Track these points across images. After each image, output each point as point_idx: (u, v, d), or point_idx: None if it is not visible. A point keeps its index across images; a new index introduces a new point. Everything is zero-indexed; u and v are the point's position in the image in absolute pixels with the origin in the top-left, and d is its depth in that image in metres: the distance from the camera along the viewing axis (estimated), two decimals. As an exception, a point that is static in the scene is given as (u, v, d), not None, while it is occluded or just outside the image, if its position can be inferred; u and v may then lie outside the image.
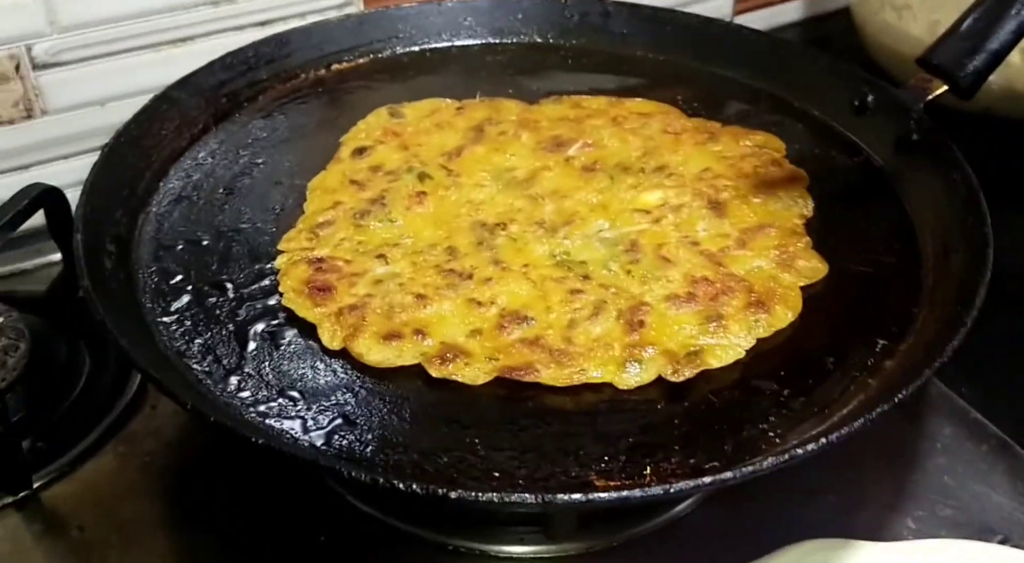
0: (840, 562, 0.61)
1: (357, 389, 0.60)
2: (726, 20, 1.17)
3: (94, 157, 0.71)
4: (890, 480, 0.69)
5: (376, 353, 0.62)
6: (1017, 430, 0.71)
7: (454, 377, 0.60)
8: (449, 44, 0.95)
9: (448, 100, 0.87)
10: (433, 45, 0.95)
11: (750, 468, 0.49)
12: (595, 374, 0.60)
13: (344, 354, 0.62)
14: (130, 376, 0.78)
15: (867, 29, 1.13)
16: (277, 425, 0.57)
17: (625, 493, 0.49)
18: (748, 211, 0.72)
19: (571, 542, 0.65)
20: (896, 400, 0.52)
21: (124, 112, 0.78)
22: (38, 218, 0.77)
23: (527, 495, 0.48)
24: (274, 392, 0.59)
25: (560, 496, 0.48)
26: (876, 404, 0.53)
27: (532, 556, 0.65)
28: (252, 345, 0.63)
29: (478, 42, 0.96)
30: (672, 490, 0.49)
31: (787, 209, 0.73)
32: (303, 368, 0.61)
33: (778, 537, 0.64)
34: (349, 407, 0.59)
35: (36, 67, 0.89)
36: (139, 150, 0.76)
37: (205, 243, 0.71)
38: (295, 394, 0.60)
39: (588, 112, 0.85)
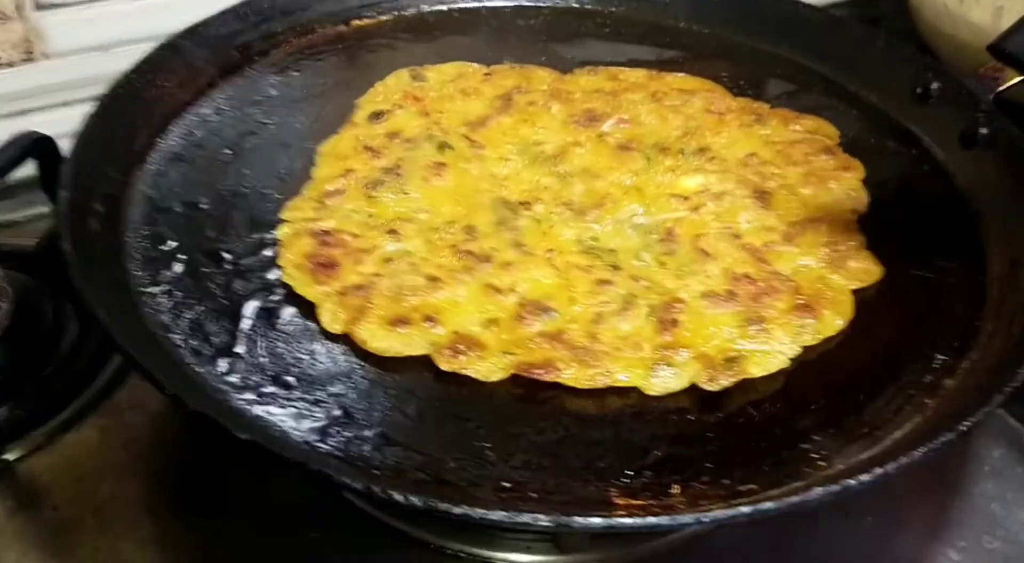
0: None
1: (359, 379, 0.55)
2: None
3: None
4: (932, 504, 0.64)
5: (381, 340, 0.56)
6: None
7: (466, 371, 0.55)
8: (479, 4, 0.89)
9: (475, 65, 0.81)
10: (461, 4, 0.89)
11: (795, 498, 0.44)
12: (622, 377, 0.54)
13: (346, 339, 0.57)
14: (117, 343, 0.73)
15: (923, 12, 1.06)
16: (267, 415, 0.52)
17: (651, 520, 0.43)
18: (796, 203, 0.66)
19: (582, 554, 0.60)
20: (961, 429, 0.47)
21: (129, 59, 0.73)
22: (32, 168, 0.71)
23: (540, 517, 0.43)
24: (267, 377, 0.54)
25: (577, 519, 0.43)
26: (936, 430, 0.48)
27: (539, 566, 0.60)
28: (246, 323, 0.57)
29: (510, 3, 0.89)
30: (705, 519, 0.43)
31: (839, 203, 0.66)
32: (301, 352, 0.56)
33: (810, 560, 0.59)
34: (349, 398, 0.53)
35: (39, 7, 0.83)
36: (138, 102, 0.70)
37: (204, 207, 0.66)
38: (290, 380, 0.54)
39: (625, 85, 0.78)
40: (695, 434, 0.52)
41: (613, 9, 0.88)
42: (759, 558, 0.61)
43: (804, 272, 0.61)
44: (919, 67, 0.76)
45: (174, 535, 0.62)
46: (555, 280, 0.60)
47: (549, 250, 0.63)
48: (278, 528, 0.61)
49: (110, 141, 0.66)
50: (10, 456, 0.64)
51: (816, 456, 0.50)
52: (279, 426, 0.51)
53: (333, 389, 0.54)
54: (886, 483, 0.61)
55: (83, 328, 0.74)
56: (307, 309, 0.59)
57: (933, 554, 0.61)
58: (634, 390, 0.55)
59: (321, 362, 0.56)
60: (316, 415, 0.52)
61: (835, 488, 0.44)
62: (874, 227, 0.66)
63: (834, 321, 0.58)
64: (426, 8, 0.88)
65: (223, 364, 0.54)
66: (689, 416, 0.53)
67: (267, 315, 0.58)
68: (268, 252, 0.63)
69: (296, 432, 0.51)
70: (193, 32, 0.76)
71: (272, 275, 0.61)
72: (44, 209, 0.82)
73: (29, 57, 0.85)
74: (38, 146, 0.71)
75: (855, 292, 0.61)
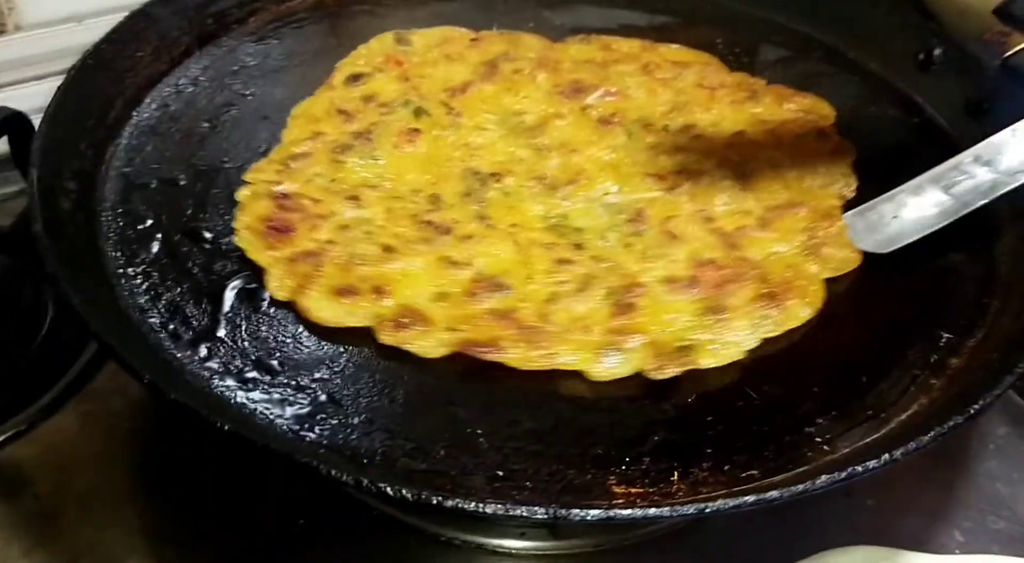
0: None
1: (344, 363, 0.53)
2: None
3: (67, 79, 0.64)
4: (936, 484, 0.63)
5: (325, 310, 0.55)
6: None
7: (406, 346, 0.53)
8: (465, -31, 0.86)
9: (463, 30, 0.78)
10: (447, -32, 0.85)
11: (800, 486, 0.42)
12: (567, 359, 0.52)
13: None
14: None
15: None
16: (250, 402, 0.50)
17: (652, 511, 0.42)
18: (779, 186, 0.64)
19: (578, 539, 0.58)
20: (971, 412, 0.45)
21: (92, 33, 0.70)
22: (3, 145, 0.69)
23: (536, 509, 0.41)
24: (249, 362, 0.52)
25: (575, 512, 0.41)
26: (944, 413, 0.46)
27: (534, 553, 0.58)
28: (227, 305, 0.55)
29: (497, -32, 0.86)
30: (708, 510, 0.41)
31: (825, 187, 0.64)
32: (285, 335, 0.54)
33: (810, 542, 0.58)
34: (334, 384, 0.51)
35: (10, -23, 0.80)
36: (111, 73, 0.67)
37: (181, 183, 0.63)
38: (274, 365, 0.52)
39: (617, 56, 0.76)
40: (694, 418, 0.50)
41: (610, -26, 0.86)
42: (758, 540, 0.59)
43: (775, 259, 0.58)
44: (922, 33, 0.74)
45: (158, 524, 0.60)
46: (514, 256, 0.58)
47: (513, 225, 0.61)
48: (265, 515, 0.60)
49: (81, 115, 0.64)
50: (-12, 444, 0.63)
51: (820, 440, 0.49)
52: (263, 414, 0.49)
53: (318, 374, 0.52)
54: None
55: (61, 310, 0.72)
56: (289, 290, 0.57)
57: (937, 535, 0.60)
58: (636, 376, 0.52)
59: (306, 346, 0.53)
60: (301, 402, 0.50)
61: (841, 475, 0.42)
62: (880, 189, 0.63)
63: (800, 311, 0.55)
64: (412, -27, 0.85)
65: (203, 349, 0.52)
66: (688, 399, 0.51)
67: (249, 296, 0.56)
68: (248, 231, 0.60)
69: (280, 420, 0.49)
70: (167, 0, 0.73)
71: (254, 254, 0.59)
72: (19, 186, 0.80)
73: (2, 30, 0.82)
74: (9, 122, 0.69)
75: (862, 268, 0.59)
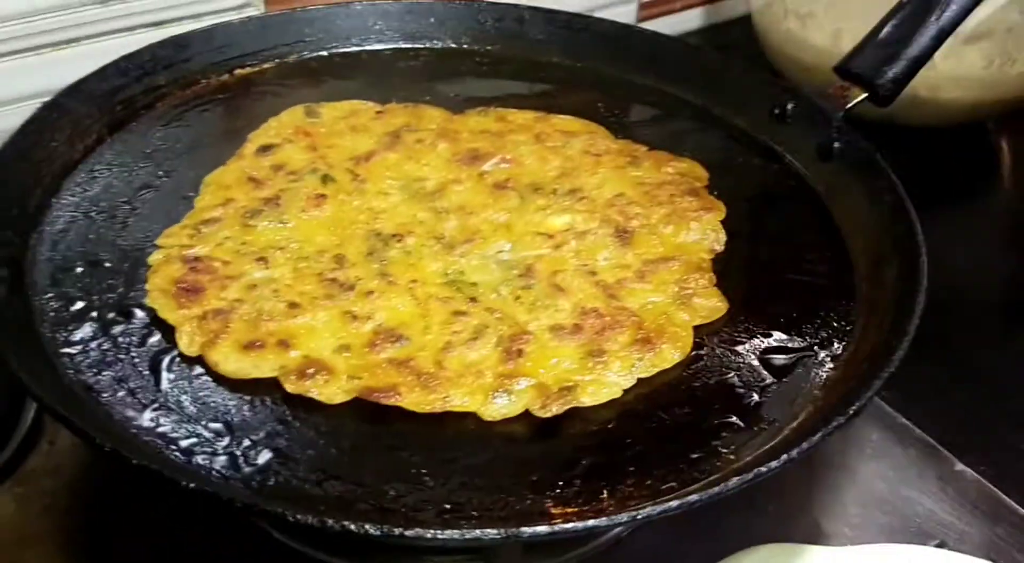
0: None
1: (289, 418, 0.56)
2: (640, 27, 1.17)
3: (-29, 171, 0.65)
4: (824, 487, 0.70)
5: (232, 363, 0.58)
6: (942, 434, 0.72)
7: (310, 394, 0.57)
8: (359, 49, 0.91)
9: (370, 103, 0.83)
10: (342, 50, 0.91)
11: (716, 488, 0.48)
12: (462, 401, 0.57)
13: (274, 381, 0.58)
14: (23, 409, 0.71)
15: (769, 37, 1.15)
16: (204, 463, 0.52)
17: (591, 522, 0.46)
18: (656, 242, 0.70)
19: (513, 568, 0.63)
20: (851, 412, 0.52)
21: (4, 121, 0.72)
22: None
23: (490, 530, 0.46)
24: (198, 426, 0.55)
25: (525, 529, 0.46)
26: (828, 417, 0.53)
27: (473, 584, 0.62)
28: (168, 375, 0.58)
29: (390, 47, 0.92)
30: (639, 516, 0.47)
31: (697, 242, 0.70)
32: (228, 399, 0.57)
33: (721, 548, 0.64)
34: (283, 439, 0.55)
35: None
36: (27, 164, 0.69)
37: (107, 264, 0.65)
38: (220, 428, 0.55)
39: (512, 127, 0.82)
40: (616, 442, 0.56)
41: (489, 47, 0.92)
42: (675, 555, 0.65)
43: (651, 308, 0.64)
44: (776, 90, 0.82)
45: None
46: (413, 310, 0.63)
47: (413, 281, 0.65)
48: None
49: (4, 205, 0.65)
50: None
51: (726, 451, 0.55)
52: (217, 473, 0.52)
53: (265, 431, 0.55)
54: (786, 472, 0.68)
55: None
56: (229, 356, 0.60)
57: (830, 531, 0.66)
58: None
59: (250, 407, 0.56)
60: (252, 459, 0.53)
61: (749, 476, 0.48)
62: (749, 237, 0.71)
63: (671, 355, 0.61)
64: (308, 54, 0.90)
65: (151, 417, 0.55)
66: (608, 425, 0.57)
67: (189, 365, 0.59)
68: (181, 303, 0.63)
69: (234, 477, 0.52)
70: (76, 89, 0.75)
71: (188, 326, 0.61)
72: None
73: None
74: None
75: (740, 287, 0.66)
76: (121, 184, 0.73)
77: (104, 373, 0.57)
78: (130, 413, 0.55)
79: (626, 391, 0.59)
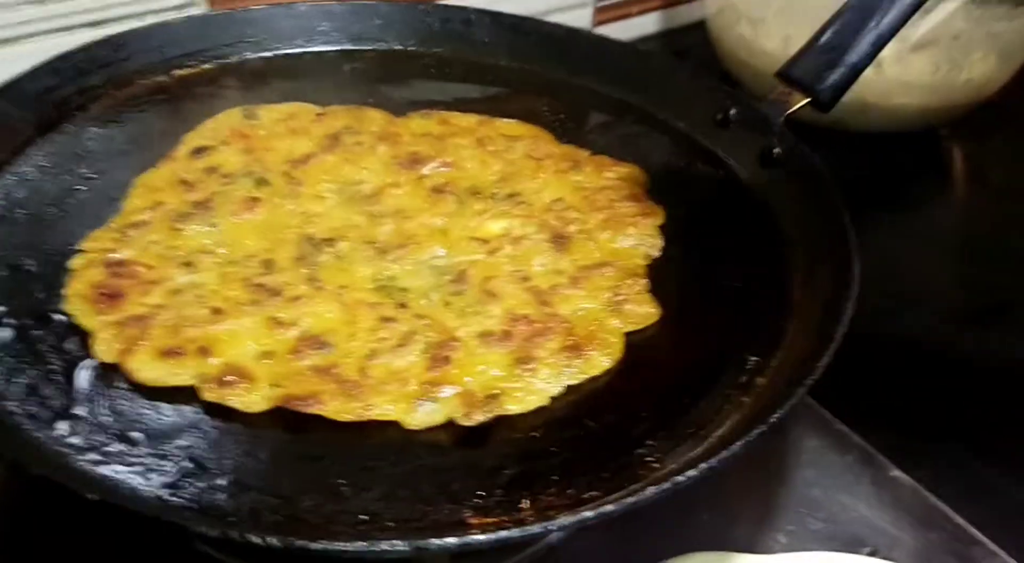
0: None
1: (208, 428, 0.55)
2: (588, 31, 1.16)
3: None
4: (760, 495, 0.69)
5: (149, 370, 0.57)
6: (880, 440, 0.72)
7: (228, 402, 0.56)
8: (302, 50, 0.90)
9: (310, 105, 0.82)
10: (286, 51, 0.90)
11: (632, 499, 0.47)
12: (385, 410, 0.56)
13: (192, 391, 0.57)
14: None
15: (723, 42, 1.15)
16: (115, 474, 0.51)
17: (503, 534, 0.46)
18: (593, 247, 0.69)
19: (444, 579, 0.62)
20: (772, 420, 0.51)
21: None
22: None
23: (398, 542, 0.45)
24: (111, 436, 0.53)
25: (433, 541, 0.45)
26: (752, 424, 0.52)
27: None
28: (83, 384, 0.56)
29: (335, 48, 0.91)
30: (552, 527, 0.46)
31: (634, 247, 0.70)
32: (144, 407, 0.55)
33: (655, 555, 0.63)
34: (199, 450, 0.53)
35: None
36: (-50, 164, 0.68)
37: (30, 269, 0.64)
38: (136, 437, 0.54)
39: (454, 130, 0.81)
40: (541, 450, 0.55)
41: (436, 50, 0.92)
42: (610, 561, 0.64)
43: (582, 314, 0.64)
44: (719, 95, 0.82)
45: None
46: (340, 316, 0.62)
47: (342, 287, 0.64)
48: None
49: (-78, 206, 0.64)
50: None
51: (651, 459, 0.54)
52: (127, 484, 0.51)
53: (182, 441, 0.54)
54: (719, 477, 0.67)
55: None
56: (148, 363, 0.58)
57: (764, 539, 0.66)
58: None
59: (167, 415, 0.55)
60: (166, 469, 0.52)
61: (666, 486, 0.48)
62: (686, 243, 0.71)
63: (600, 362, 0.60)
64: (250, 55, 0.88)
65: (63, 426, 0.53)
66: (533, 434, 0.56)
67: (105, 372, 0.57)
68: (103, 309, 0.61)
69: (146, 488, 0.51)
70: (6, 90, 0.74)
71: (108, 332, 0.60)
72: None
73: None
74: None
75: (677, 305, 0.65)
76: (49, 186, 0.71)
77: (16, 380, 0.56)
78: (40, 422, 0.53)
79: (554, 398, 0.58)
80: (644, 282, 0.66)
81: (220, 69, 0.86)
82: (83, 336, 0.59)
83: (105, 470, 0.51)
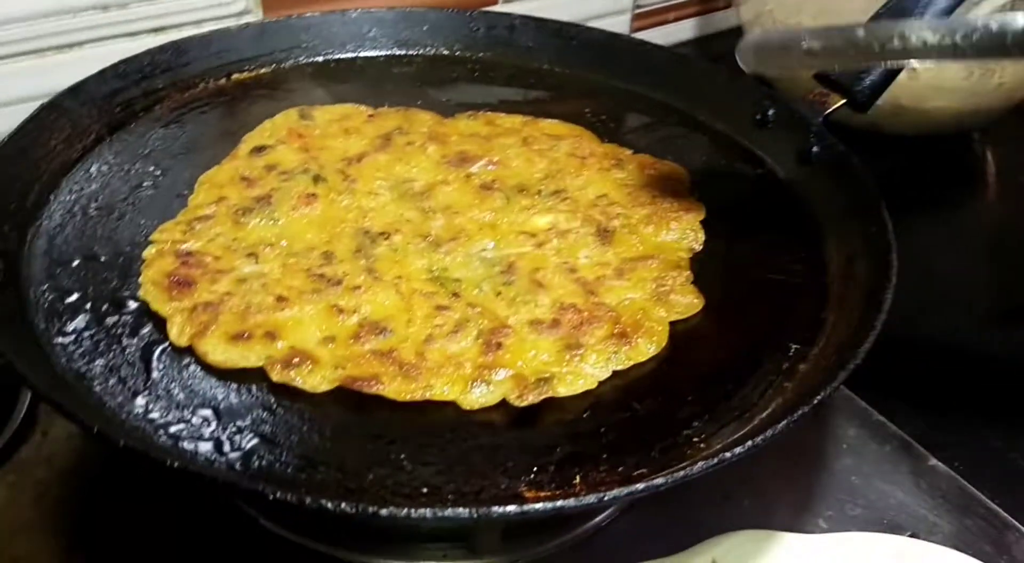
0: (766, 552, 0.63)
1: (274, 407, 0.58)
2: (628, 36, 1.19)
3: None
4: (801, 482, 0.71)
5: (220, 353, 0.60)
6: (918, 430, 0.74)
7: (294, 383, 0.59)
8: (354, 55, 0.94)
9: (362, 107, 0.85)
10: (337, 56, 0.93)
11: (681, 473, 0.50)
12: (442, 390, 0.59)
13: (259, 371, 0.60)
14: (17, 400, 0.73)
15: (758, 47, 1.17)
16: (191, 447, 0.54)
17: (560, 503, 0.48)
18: (636, 241, 0.72)
19: (495, 556, 0.64)
20: (815, 402, 0.53)
21: (3, 121, 0.74)
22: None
23: (461, 509, 0.47)
24: (185, 413, 0.56)
25: (495, 509, 0.47)
26: (796, 407, 0.54)
27: (455, 573, 0.64)
28: (158, 364, 0.60)
29: (383, 53, 0.94)
30: (606, 498, 0.48)
31: (677, 242, 0.72)
32: (215, 387, 0.59)
33: (698, 540, 0.65)
34: (266, 426, 0.56)
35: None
36: (26, 161, 0.71)
37: (103, 259, 0.67)
38: (207, 414, 0.57)
39: (501, 130, 0.84)
40: (592, 431, 0.57)
41: (482, 55, 0.95)
42: (652, 545, 0.66)
43: (628, 304, 0.66)
44: (757, 96, 0.84)
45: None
46: (397, 304, 0.65)
47: (398, 277, 0.67)
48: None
49: (2, 200, 0.67)
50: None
51: (696, 440, 0.57)
52: (203, 456, 0.54)
53: (250, 418, 0.57)
54: (760, 465, 0.70)
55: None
56: (217, 347, 0.61)
57: (804, 524, 0.68)
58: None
59: (236, 394, 0.58)
60: (237, 444, 0.55)
61: (714, 461, 0.50)
62: (728, 237, 0.73)
63: (647, 349, 0.63)
64: (304, 60, 0.92)
65: (141, 403, 0.57)
66: (584, 415, 0.59)
67: (178, 355, 0.61)
68: (172, 296, 0.65)
69: (220, 460, 0.54)
70: (76, 91, 0.78)
71: (178, 318, 0.63)
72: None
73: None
74: None
75: (720, 293, 0.68)
76: (118, 183, 0.75)
77: (96, 362, 0.59)
78: (120, 400, 0.57)
79: (601, 383, 0.61)
80: (687, 274, 0.69)
81: (275, 73, 0.90)
82: (156, 321, 0.63)
83: (182, 444, 0.54)
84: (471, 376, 0.59)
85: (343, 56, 0.93)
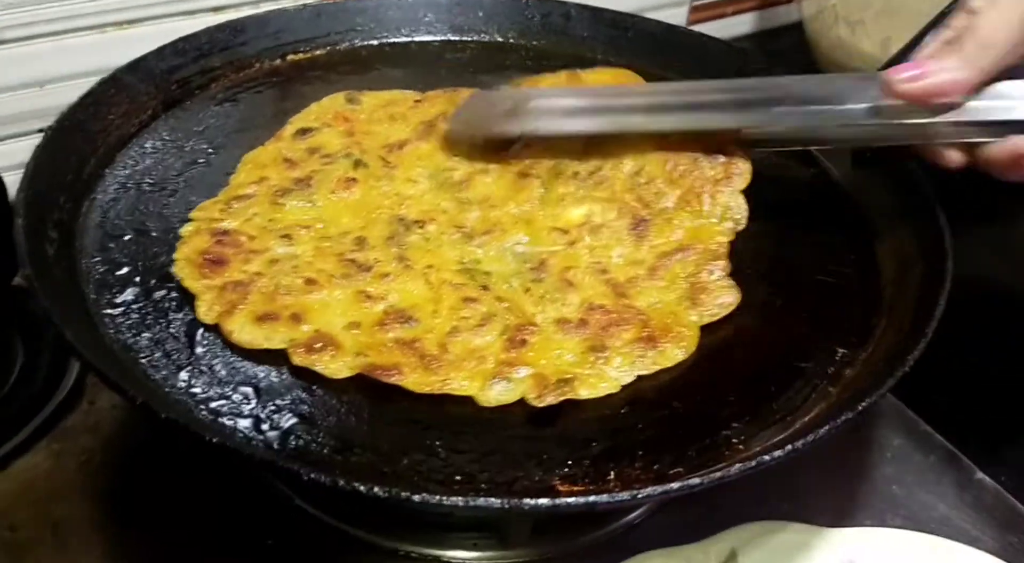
0: (785, 542, 0.63)
1: (313, 387, 0.58)
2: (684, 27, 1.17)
3: (30, 140, 0.68)
4: (842, 489, 0.70)
5: (246, 333, 0.60)
6: (965, 442, 0.72)
7: (316, 367, 0.59)
8: (408, 39, 0.94)
9: (410, 92, 0.85)
10: (392, 39, 0.93)
11: (718, 474, 0.49)
12: (461, 385, 0.58)
13: (283, 354, 0.60)
14: (66, 370, 0.75)
15: (820, 44, 1.15)
16: (230, 423, 0.55)
17: (592, 499, 0.48)
18: (672, 231, 0.70)
19: (525, 548, 0.64)
20: (860, 408, 0.52)
21: (63, 95, 0.75)
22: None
23: (493, 500, 0.47)
24: (227, 389, 0.57)
25: (527, 501, 0.47)
26: (839, 412, 0.54)
27: (485, 562, 0.64)
28: (202, 340, 0.60)
29: (438, 38, 0.94)
30: (639, 495, 0.48)
31: (718, 223, 0.70)
32: (257, 365, 0.59)
33: (732, 545, 0.64)
34: (305, 406, 0.57)
35: (-27, 45, 0.85)
36: (84, 134, 0.73)
37: (154, 234, 0.68)
38: (248, 391, 0.57)
39: None
40: (629, 427, 0.57)
41: (535, 43, 0.94)
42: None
43: (659, 307, 0.64)
44: (814, 94, 0.83)
45: (128, 550, 0.64)
46: (425, 293, 0.64)
47: (429, 266, 0.66)
48: (232, 538, 0.64)
49: (59, 171, 0.68)
50: (-37, 481, 0.66)
51: (736, 441, 0.56)
52: (242, 433, 0.54)
53: (289, 398, 0.57)
54: (800, 470, 0.69)
55: (29, 356, 0.76)
56: (259, 325, 0.62)
57: (843, 532, 0.67)
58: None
59: (276, 374, 0.59)
60: (276, 422, 0.55)
61: (752, 464, 0.49)
62: (778, 235, 0.71)
63: (675, 354, 0.61)
64: (359, 43, 0.92)
65: (184, 377, 0.57)
66: (622, 411, 0.58)
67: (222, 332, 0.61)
68: (219, 273, 0.65)
69: (258, 438, 0.54)
70: (135, 67, 0.79)
71: (224, 295, 0.64)
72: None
73: (-36, 94, 0.87)
74: None
75: (769, 294, 0.66)
76: (172, 159, 0.76)
77: (143, 335, 0.60)
78: (164, 373, 0.58)
79: (624, 387, 0.59)
80: (724, 264, 0.67)
81: (330, 55, 0.91)
82: (191, 297, 0.63)
83: (222, 420, 0.55)
84: (492, 372, 0.59)
85: (397, 40, 0.93)
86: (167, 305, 0.63)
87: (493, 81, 0.89)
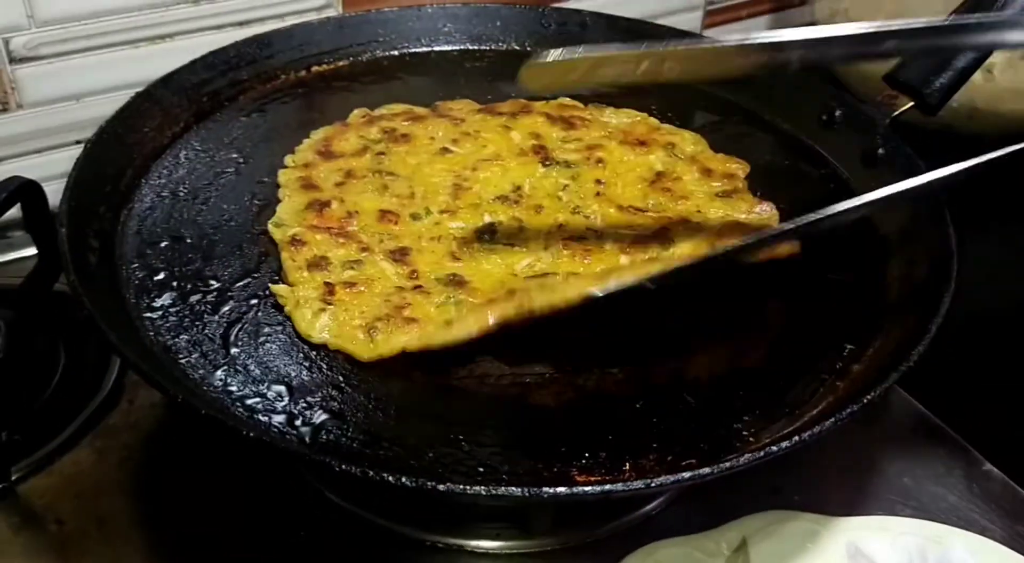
0: (795, 531, 0.65)
1: (343, 385, 0.61)
2: (697, 33, 1.20)
3: (68, 152, 0.71)
4: (853, 480, 0.72)
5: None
6: (974, 435, 0.74)
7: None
8: (428, 49, 0.97)
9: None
10: (412, 50, 0.97)
11: (727, 464, 0.51)
12: None
13: (327, 349, 0.63)
14: (107, 370, 0.78)
15: (832, 46, 1.16)
16: (265, 419, 0.58)
17: (608, 487, 0.50)
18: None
19: (546, 538, 0.67)
20: (865, 401, 0.55)
21: (100, 107, 0.79)
22: (12, 211, 0.76)
23: (514, 489, 0.50)
24: (261, 387, 0.60)
25: (546, 490, 0.50)
26: (845, 406, 0.56)
27: (508, 551, 0.67)
28: (236, 341, 0.64)
29: (457, 48, 0.97)
30: (653, 484, 0.50)
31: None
32: (288, 364, 0.62)
33: (745, 535, 0.66)
34: (335, 403, 0.60)
35: (13, 61, 0.89)
36: (122, 147, 0.76)
37: (188, 241, 0.72)
38: (281, 389, 0.60)
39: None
40: (643, 420, 0.59)
41: (552, 51, 0.97)
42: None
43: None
44: (824, 97, 0.85)
45: (167, 543, 0.67)
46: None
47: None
48: (265, 530, 0.67)
49: (99, 182, 0.72)
50: (12, 476, 0.69)
51: (746, 433, 0.58)
52: (276, 428, 0.57)
53: (320, 395, 0.60)
54: (812, 461, 0.70)
55: (71, 358, 0.79)
56: (290, 326, 0.65)
57: (854, 522, 0.69)
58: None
59: (307, 371, 0.62)
60: (308, 418, 0.58)
61: (760, 454, 0.52)
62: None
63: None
64: (380, 53, 0.96)
65: (220, 376, 0.61)
66: (636, 405, 0.60)
67: (254, 332, 0.64)
68: (249, 279, 0.69)
69: (291, 433, 0.57)
70: (167, 81, 0.82)
71: (255, 300, 0.67)
72: (23, 252, 0.88)
73: (4, 108, 0.91)
74: (25, 190, 0.75)
75: (779, 299, 0.69)
76: (204, 168, 0.79)
77: (181, 336, 0.63)
78: (202, 372, 0.61)
79: (655, 371, 0.62)
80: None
81: (353, 66, 0.94)
82: (234, 301, 0.67)
83: (257, 416, 0.58)
84: None
85: (418, 50, 0.96)
86: (203, 308, 0.66)
87: (510, 89, 0.92)
